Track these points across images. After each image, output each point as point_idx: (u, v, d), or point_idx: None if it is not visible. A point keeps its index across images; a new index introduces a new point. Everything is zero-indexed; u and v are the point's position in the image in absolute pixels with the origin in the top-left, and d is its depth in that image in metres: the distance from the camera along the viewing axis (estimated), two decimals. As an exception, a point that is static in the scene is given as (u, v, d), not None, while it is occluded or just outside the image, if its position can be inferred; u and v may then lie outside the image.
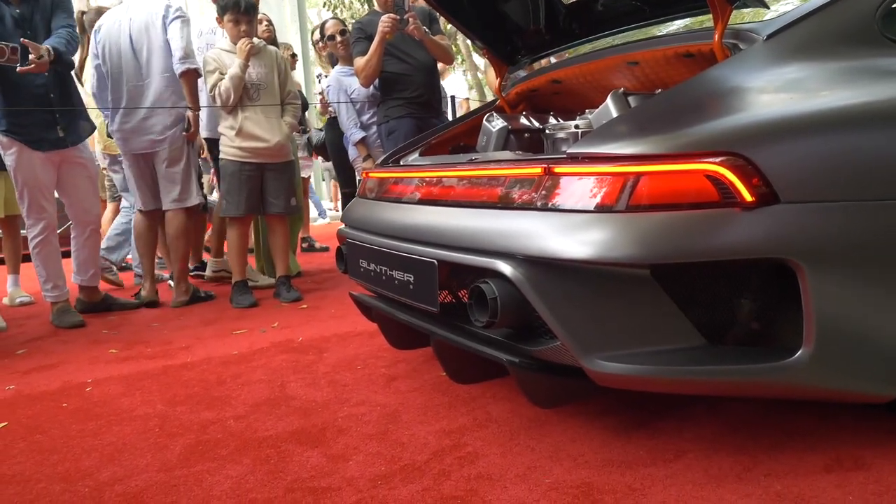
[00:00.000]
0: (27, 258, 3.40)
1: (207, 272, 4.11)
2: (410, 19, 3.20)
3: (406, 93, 3.49)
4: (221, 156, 3.45)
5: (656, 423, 1.66)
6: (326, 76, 4.69)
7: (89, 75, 3.53)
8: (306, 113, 4.65)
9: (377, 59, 3.35)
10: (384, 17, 3.24)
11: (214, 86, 3.34)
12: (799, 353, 1.28)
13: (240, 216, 3.45)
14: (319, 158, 5.28)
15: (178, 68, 3.28)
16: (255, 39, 3.45)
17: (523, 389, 1.47)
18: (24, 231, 3.18)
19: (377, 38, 3.29)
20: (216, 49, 3.45)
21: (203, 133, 3.78)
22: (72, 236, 3.30)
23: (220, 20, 3.41)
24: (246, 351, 2.58)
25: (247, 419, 1.87)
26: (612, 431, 1.63)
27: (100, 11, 3.75)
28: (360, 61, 3.43)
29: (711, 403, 1.75)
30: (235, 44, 3.35)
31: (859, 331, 1.31)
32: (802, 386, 1.32)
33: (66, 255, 3.24)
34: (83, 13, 4.04)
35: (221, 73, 3.34)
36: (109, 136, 3.66)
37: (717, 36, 1.59)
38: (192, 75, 3.32)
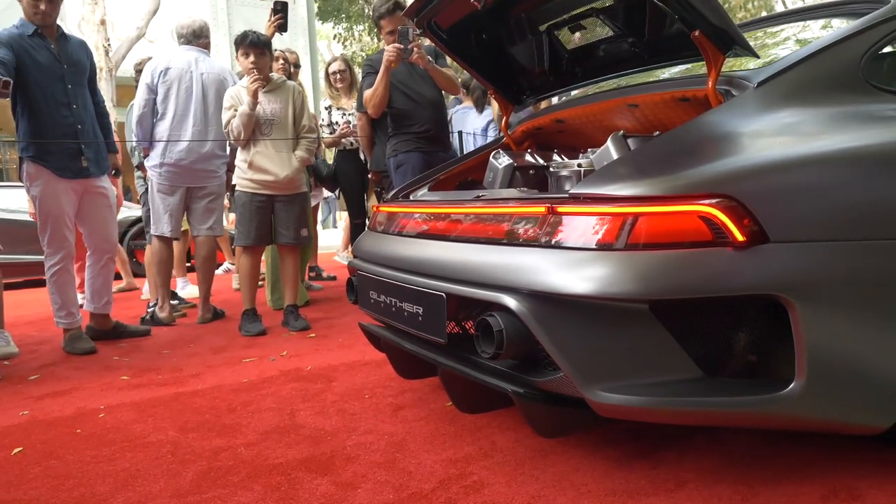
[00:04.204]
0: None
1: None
2: (415, 49, 3.32)
3: (414, 128, 3.60)
4: (236, 187, 3.57)
5: (658, 454, 1.70)
6: (338, 108, 4.85)
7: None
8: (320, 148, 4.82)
9: (383, 87, 3.47)
10: (388, 47, 3.36)
11: (227, 123, 3.46)
12: (792, 385, 1.33)
13: (250, 245, 3.54)
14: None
15: None
16: (274, 75, 3.57)
17: (527, 419, 1.53)
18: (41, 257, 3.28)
19: (383, 66, 3.41)
20: (238, 87, 3.57)
21: None
22: (87, 264, 3.39)
23: (237, 57, 3.53)
24: (255, 379, 2.63)
25: (257, 446, 1.92)
26: (615, 461, 1.67)
27: None
28: (368, 93, 3.57)
29: (712, 435, 1.79)
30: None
31: (850, 364, 1.37)
32: (796, 417, 1.37)
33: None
34: None
35: (236, 110, 3.45)
36: None
37: (710, 82, 1.68)
38: None
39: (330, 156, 5.24)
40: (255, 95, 3.38)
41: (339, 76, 4.83)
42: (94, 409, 2.34)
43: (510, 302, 1.41)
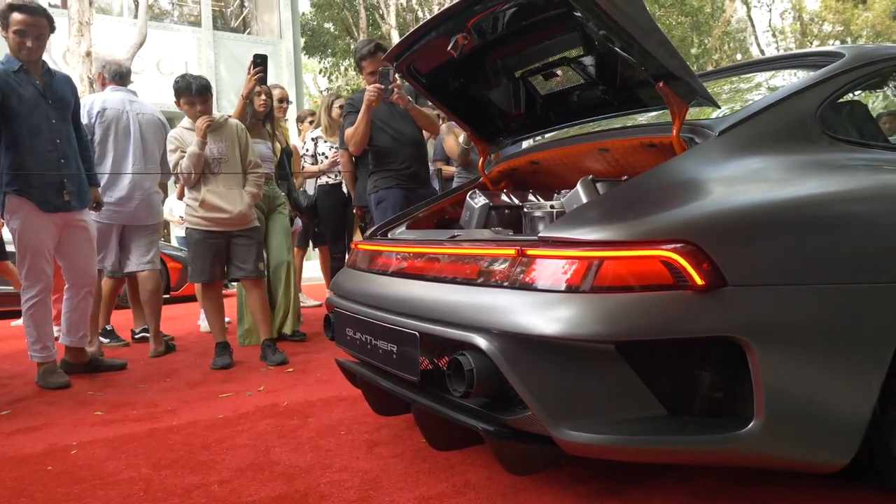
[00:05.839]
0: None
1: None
2: (395, 89, 3.41)
3: (394, 165, 3.68)
4: (187, 225, 3.61)
5: (626, 491, 1.73)
6: (325, 141, 4.91)
7: None
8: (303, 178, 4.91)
9: (364, 126, 3.56)
10: (369, 87, 3.47)
11: (176, 164, 3.49)
12: (752, 424, 1.38)
13: (206, 282, 3.58)
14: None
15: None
16: (216, 114, 3.61)
17: (498, 457, 1.55)
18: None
19: (364, 106, 3.51)
20: (179, 128, 3.59)
21: None
22: (65, 297, 3.37)
23: (177, 103, 3.57)
24: (231, 415, 2.62)
25: (231, 484, 1.91)
26: (585, 499, 1.70)
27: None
28: (349, 131, 3.66)
29: (679, 472, 1.83)
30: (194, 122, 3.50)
31: (806, 404, 1.42)
32: (756, 455, 1.41)
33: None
34: None
35: (182, 152, 3.47)
36: None
37: (674, 130, 1.77)
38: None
39: (311, 186, 5.29)
40: (203, 135, 3.43)
41: (342, 111, 4.93)
42: (67, 446, 2.32)
43: (481, 342, 1.45)
